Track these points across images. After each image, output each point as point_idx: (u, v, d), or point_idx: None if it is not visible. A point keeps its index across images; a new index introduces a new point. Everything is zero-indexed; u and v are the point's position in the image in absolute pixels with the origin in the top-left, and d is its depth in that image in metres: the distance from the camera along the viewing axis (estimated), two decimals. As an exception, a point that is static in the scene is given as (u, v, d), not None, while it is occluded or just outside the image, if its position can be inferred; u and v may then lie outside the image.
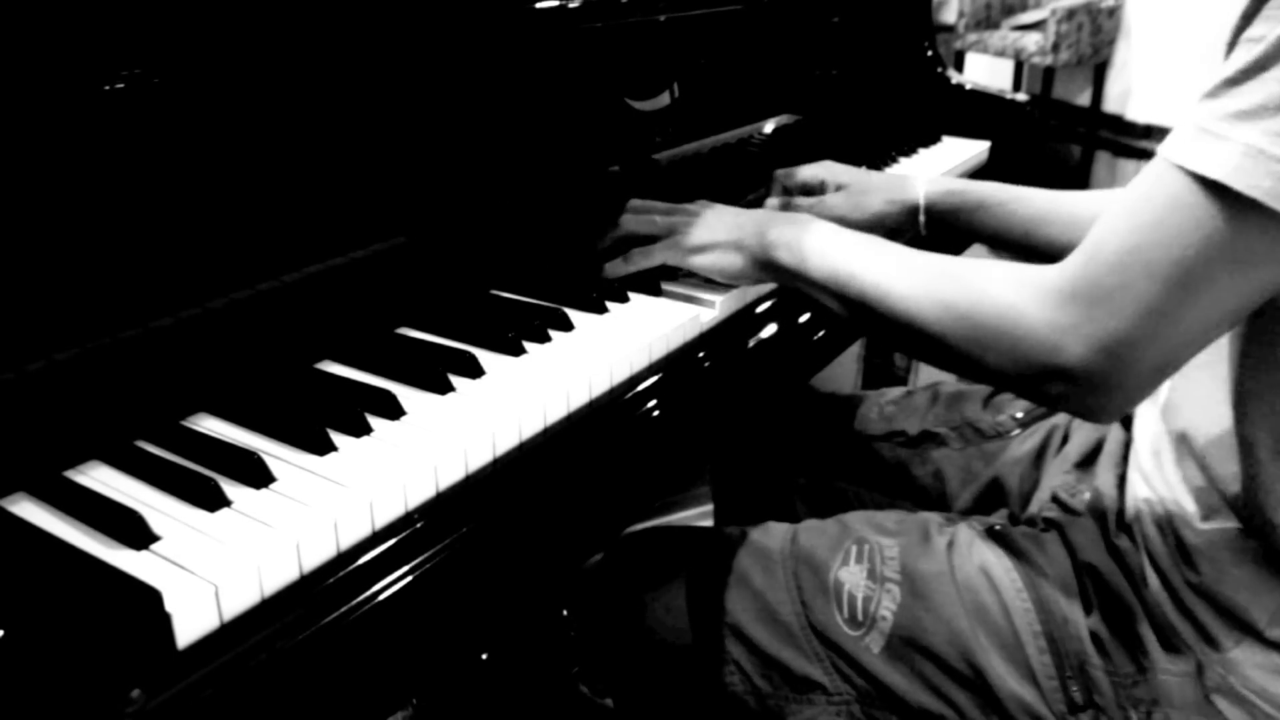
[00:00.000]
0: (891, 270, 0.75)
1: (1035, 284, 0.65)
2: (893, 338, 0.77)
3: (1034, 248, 1.00)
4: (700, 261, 0.86)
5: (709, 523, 1.39)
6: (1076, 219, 0.96)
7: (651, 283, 0.89)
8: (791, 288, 0.84)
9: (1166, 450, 0.76)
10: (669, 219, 0.89)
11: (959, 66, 5.02)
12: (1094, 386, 0.63)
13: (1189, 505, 0.73)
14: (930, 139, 1.50)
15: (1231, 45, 0.58)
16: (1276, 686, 0.68)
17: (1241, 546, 0.70)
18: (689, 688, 0.84)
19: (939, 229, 1.06)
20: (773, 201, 1.11)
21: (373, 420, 0.65)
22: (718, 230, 0.86)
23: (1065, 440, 0.96)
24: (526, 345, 0.76)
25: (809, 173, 1.10)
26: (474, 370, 0.72)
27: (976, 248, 1.14)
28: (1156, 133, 5.03)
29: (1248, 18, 0.56)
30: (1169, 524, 0.74)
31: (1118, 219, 0.61)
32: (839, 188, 1.08)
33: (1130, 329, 0.60)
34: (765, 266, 0.84)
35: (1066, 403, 0.66)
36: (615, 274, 0.89)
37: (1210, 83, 0.58)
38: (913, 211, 1.05)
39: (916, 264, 0.75)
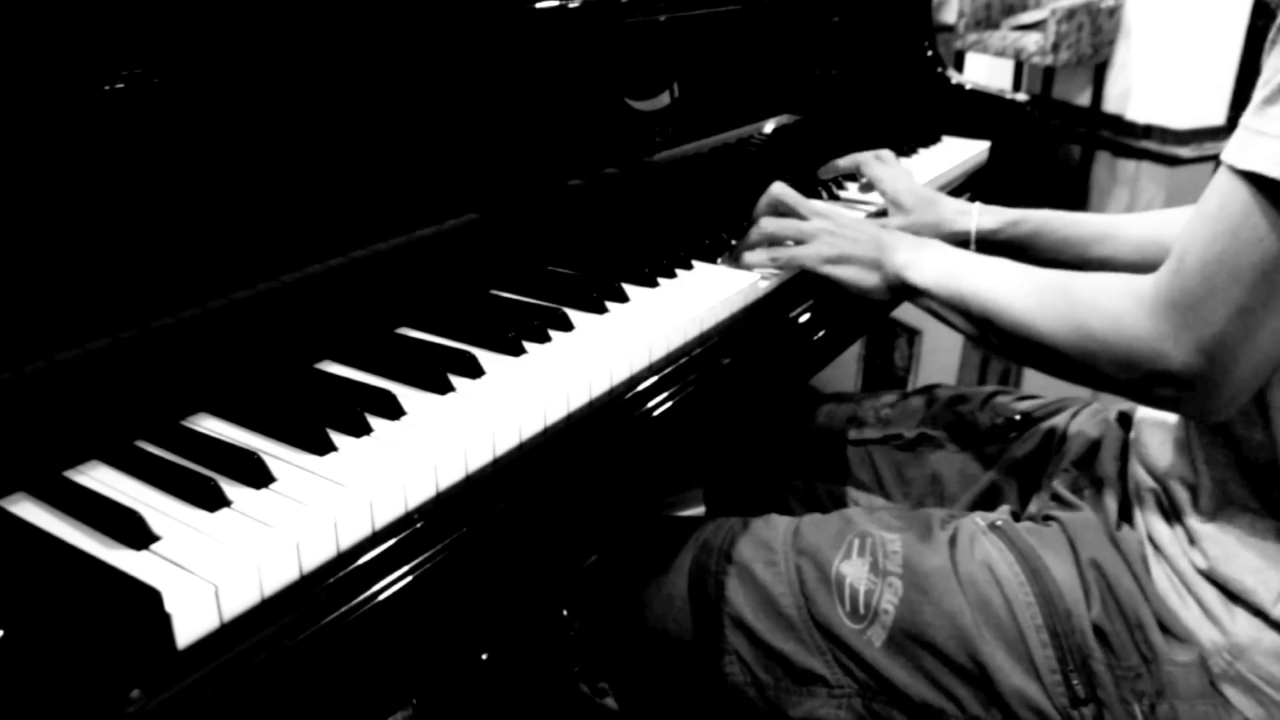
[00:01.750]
0: (1009, 288, 0.80)
1: (1135, 293, 0.69)
2: (1015, 351, 0.82)
3: (1086, 268, 1.01)
4: (839, 273, 0.92)
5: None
6: (1130, 239, 1.00)
7: (650, 278, 0.89)
8: (917, 306, 0.90)
9: (1179, 434, 0.77)
10: (811, 225, 0.94)
11: (959, 66, 5.03)
12: (1199, 388, 0.67)
13: (1201, 487, 0.74)
14: (930, 139, 1.50)
15: (1274, 44, 0.62)
16: None
17: (1250, 529, 0.70)
18: (689, 680, 0.84)
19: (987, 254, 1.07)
20: (893, 221, 1.12)
21: (373, 420, 0.65)
22: (857, 245, 0.92)
23: (1064, 441, 0.96)
24: (526, 345, 0.76)
25: (873, 172, 1.15)
26: (474, 370, 0.72)
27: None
28: (1156, 133, 5.04)
29: None
30: (1174, 510, 0.75)
31: (1197, 228, 0.65)
32: (897, 204, 1.11)
33: (1223, 332, 0.64)
34: (896, 288, 0.90)
35: (1178, 405, 0.71)
36: (751, 264, 0.94)
37: (1264, 89, 0.62)
38: (963, 241, 1.07)
39: (1032, 281, 0.80)
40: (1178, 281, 0.66)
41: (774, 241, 0.95)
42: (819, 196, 1.22)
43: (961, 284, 0.84)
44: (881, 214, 1.13)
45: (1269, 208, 0.61)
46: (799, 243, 0.94)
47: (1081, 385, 0.82)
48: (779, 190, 0.99)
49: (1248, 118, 0.63)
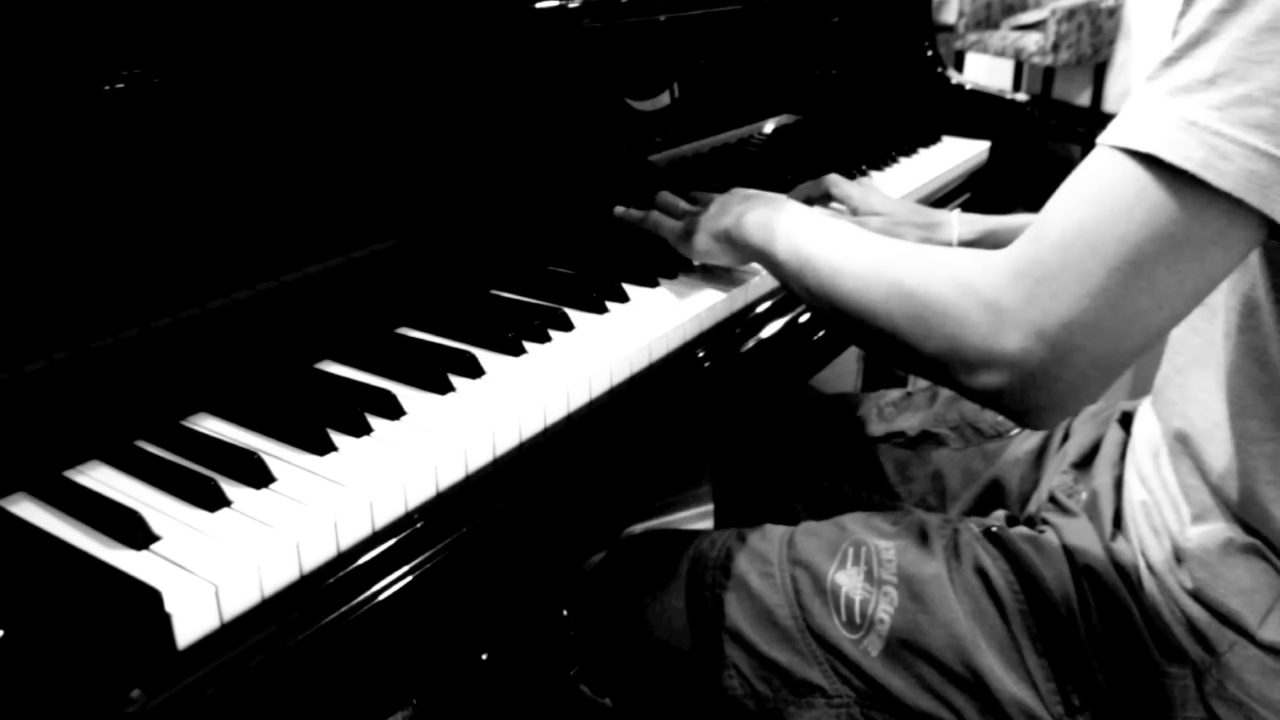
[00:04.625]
0: (849, 251, 0.73)
1: (986, 263, 0.62)
2: (844, 324, 0.74)
3: None
4: (685, 246, 0.90)
5: (709, 523, 1.40)
6: None
7: (650, 278, 0.89)
8: (764, 268, 0.84)
9: (1163, 450, 0.76)
10: (679, 209, 0.93)
11: (959, 66, 5.02)
12: (1030, 377, 0.59)
13: (1183, 507, 0.73)
14: (930, 139, 1.50)
15: (1173, 34, 0.58)
16: (1274, 690, 0.68)
17: (1232, 549, 0.69)
18: (689, 690, 0.84)
19: None
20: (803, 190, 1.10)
21: (373, 420, 0.65)
22: (706, 214, 0.89)
23: (1065, 439, 0.96)
24: (526, 345, 0.76)
25: (843, 191, 1.09)
26: (474, 370, 0.72)
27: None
28: (1156, 133, 5.03)
29: (1186, 2, 0.57)
30: (1164, 527, 0.74)
31: (1063, 197, 0.60)
32: (872, 212, 1.06)
33: (1072, 312, 0.57)
34: (737, 246, 0.86)
35: (1000, 398, 0.61)
36: (630, 219, 0.95)
37: (1149, 69, 0.58)
38: None
39: (876, 246, 0.72)
40: (1030, 250, 0.59)
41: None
42: None
43: (800, 245, 0.77)
44: None
45: (1141, 176, 0.55)
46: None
47: (906, 369, 0.75)
48: (667, 197, 0.99)
49: (1130, 99, 0.59)
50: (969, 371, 0.62)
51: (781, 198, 0.87)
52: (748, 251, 0.85)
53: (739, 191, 0.91)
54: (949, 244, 1.01)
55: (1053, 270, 0.58)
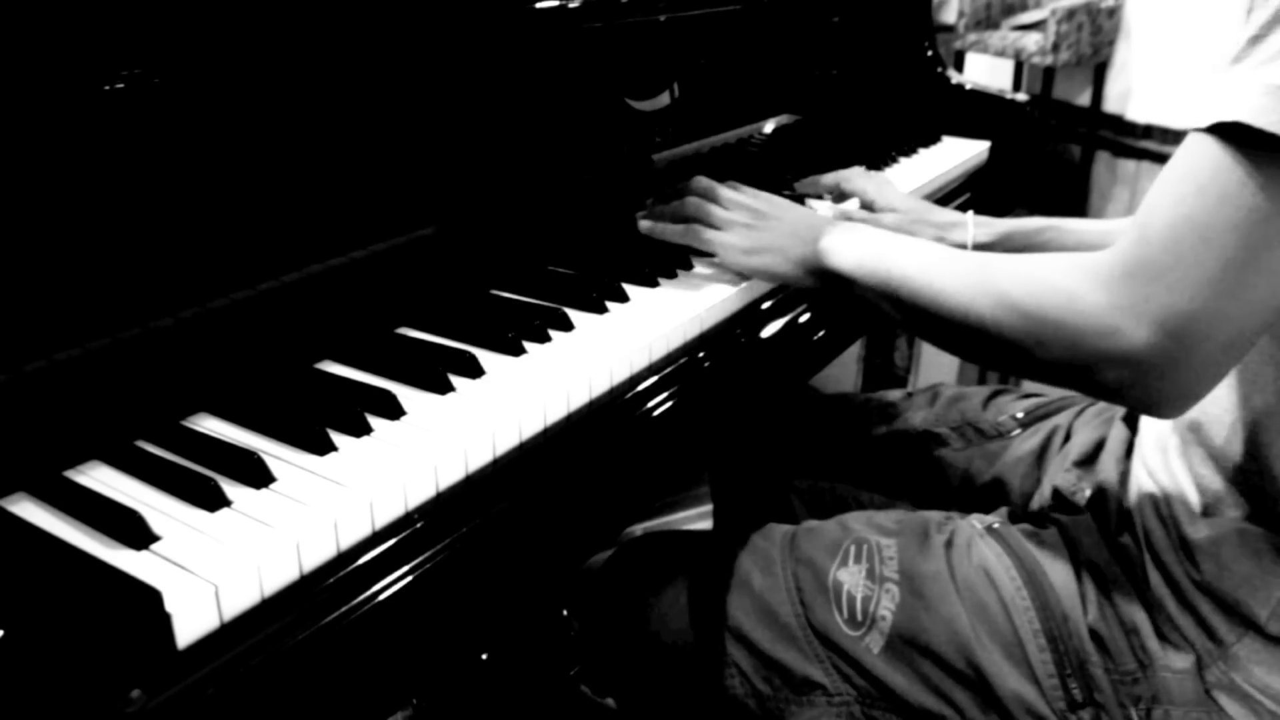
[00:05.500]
0: (945, 269, 0.73)
1: (1090, 268, 0.63)
2: (948, 339, 0.75)
3: None
4: (756, 264, 0.87)
5: (708, 523, 1.40)
6: None
7: (650, 278, 0.89)
8: (844, 295, 0.83)
9: (1173, 442, 0.76)
10: (726, 214, 0.89)
11: (959, 66, 5.02)
12: (1157, 370, 0.60)
13: (1192, 498, 0.73)
14: (930, 139, 1.50)
15: (1249, 11, 0.58)
16: (1278, 681, 0.68)
17: (1242, 541, 0.70)
18: (690, 689, 0.84)
19: None
20: (825, 206, 1.09)
21: (373, 420, 0.65)
22: (773, 233, 0.87)
23: (1067, 439, 0.96)
24: (526, 345, 0.76)
25: (857, 186, 1.09)
26: (474, 370, 0.72)
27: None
28: (1156, 133, 5.03)
29: None
30: (1172, 519, 0.74)
31: (1162, 193, 0.60)
32: (890, 208, 1.06)
33: (1191, 303, 0.57)
34: (816, 274, 0.84)
35: (1130, 391, 0.63)
36: (663, 236, 0.91)
37: (1231, 50, 0.58)
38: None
39: (969, 261, 0.73)
40: (1138, 251, 0.60)
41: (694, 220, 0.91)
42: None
43: (890, 266, 0.77)
44: None
45: (1239, 159, 0.55)
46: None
47: (1022, 376, 0.77)
48: (701, 180, 0.94)
49: (1211, 81, 0.59)
50: (1093, 373, 0.63)
51: (853, 223, 0.85)
52: (825, 279, 0.84)
53: (768, 199, 0.90)
54: (964, 246, 1.02)
55: (1166, 266, 0.58)
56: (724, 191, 0.92)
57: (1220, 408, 0.71)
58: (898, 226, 1.03)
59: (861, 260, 0.80)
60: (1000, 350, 0.69)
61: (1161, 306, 0.58)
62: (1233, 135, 0.55)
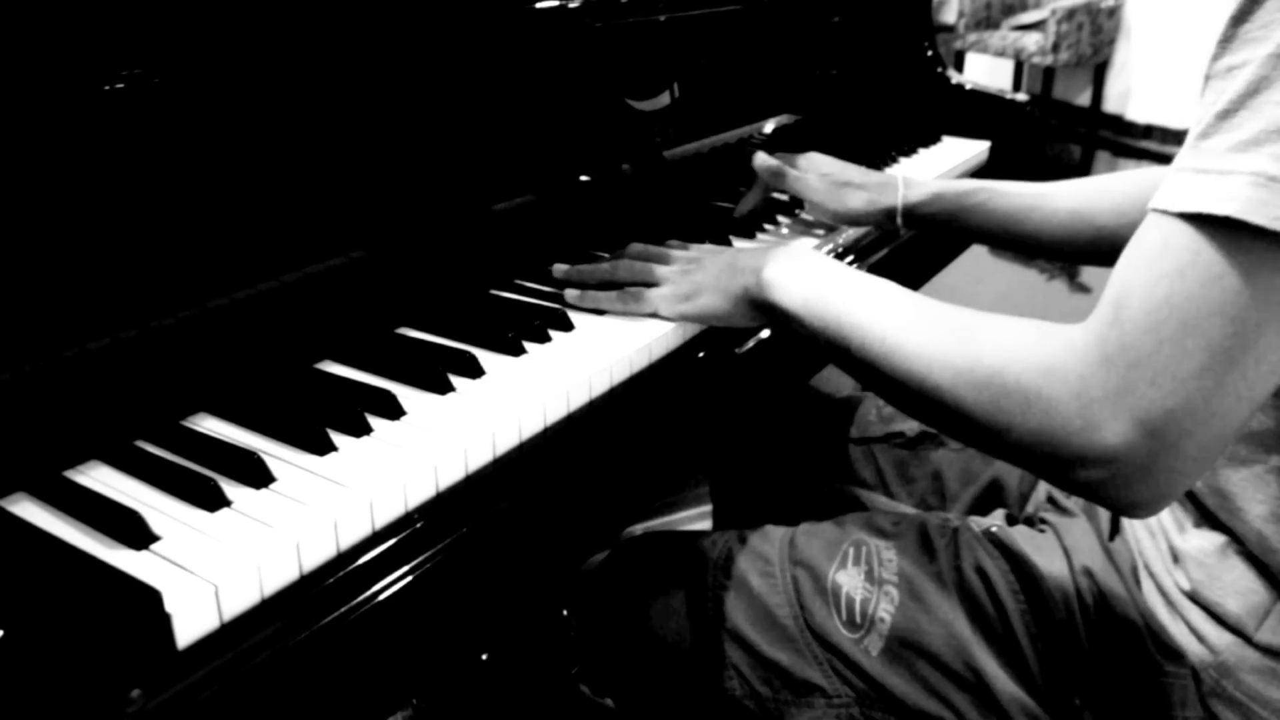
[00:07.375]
0: (902, 324, 0.65)
1: (1066, 345, 0.56)
2: (901, 400, 0.67)
3: (1017, 242, 1.01)
4: (693, 309, 0.81)
5: (708, 523, 1.40)
6: (1060, 210, 0.97)
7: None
8: (789, 334, 0.75)
9: None
10: (664, 269, 0.84)
11: (959, 66, 5.03)
12: (1136, 470, 0.53)
13: (1180, 510, 0.73)
14: (930, 139, 1.50)
15: (1207, 79, 0.53)
16: (1271, 690, 0.68)
17: (1230, 553, 0.70)
18: (689, 690, 0.84)
19: (920, 230, 1.07)
20: (808, 216, 1.09)
21: (373, 420, 0.65)
22: (708, 273, 0.81)
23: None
24: (526, 345, 0.76)
25: (794, 162, 1.08)
26: (474, 370, 0.72)
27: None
28: (1156, 133, 5.04)
29: (1224, 44, 0.52)
30: (1160, 530, 0.74)
31: (1135, 268, 0.54)
32: (805, 197, 1.07)
33: (1173, 398, 0.51)
34: (759, 307, 0.77)
35: (1103, 490, 0.56)
36: (596, 305, 0.84)
37: (1197, 126, 0.53)
38: (891, 215, 1.05)
39: (930, 317, 0.64)
40: (1115, 333, 0.53)
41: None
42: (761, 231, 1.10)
43: (839, 312, 0.69)
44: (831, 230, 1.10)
45: (1225, 244, 0.50)
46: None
47: (989, 454, 0.69)
48: (635, 245, 0.89)
49: (1181, 159, 0.53)
50: (1064, 466, 0.56)
51: (804, 251, 0.78)
52: (767, 314, 0.77)
53: (707, 247, 0.86)
54: (894, 207, 1.02)
55: (1145, 354, 0.52)
56: (658, 250, 0.87)
57: None
58: (828, 188, 1.04)
59: (807, 299, 0.72)
60: (964, 426, 0.62)
61: (1141, 400, 0.52)
62: (1218, 223, 0.50)
